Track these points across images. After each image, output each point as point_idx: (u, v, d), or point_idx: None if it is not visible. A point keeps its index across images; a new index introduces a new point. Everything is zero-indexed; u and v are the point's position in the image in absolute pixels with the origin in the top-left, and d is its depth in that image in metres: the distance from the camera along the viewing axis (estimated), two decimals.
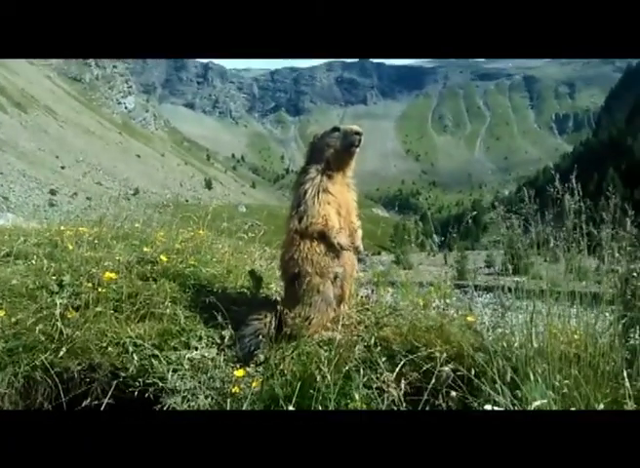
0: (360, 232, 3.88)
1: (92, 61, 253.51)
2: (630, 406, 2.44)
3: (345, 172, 3.85)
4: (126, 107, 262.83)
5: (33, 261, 4.45)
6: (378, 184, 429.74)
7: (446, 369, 2.89)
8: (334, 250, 3.59)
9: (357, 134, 3.70)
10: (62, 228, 5.73)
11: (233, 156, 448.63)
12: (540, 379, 2.64)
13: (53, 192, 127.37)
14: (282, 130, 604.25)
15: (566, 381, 2.62)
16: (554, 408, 2.50)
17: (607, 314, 3.23)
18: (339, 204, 3.74)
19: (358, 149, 3.75)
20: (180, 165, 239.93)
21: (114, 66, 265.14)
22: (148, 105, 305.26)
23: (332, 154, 3.73)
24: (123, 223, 6.36)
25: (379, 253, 50.00)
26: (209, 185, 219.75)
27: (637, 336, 2.97)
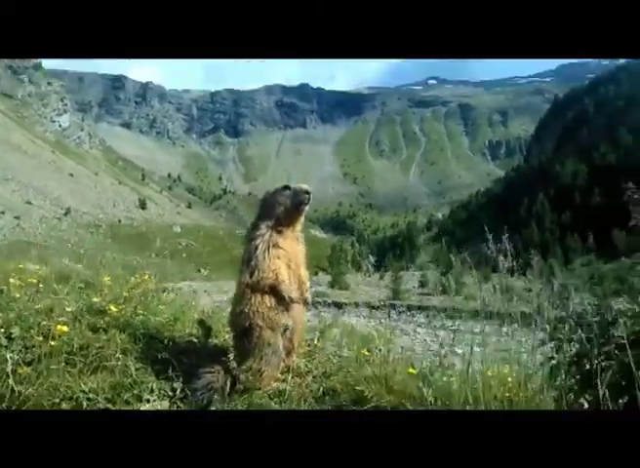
0: (308, 284, 4.05)
1: (25, 77, 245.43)
2: None
3: (295, 226, 4.03)
4: (60, 126, 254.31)
5: None
6: (316, 206, 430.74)
7: None
8: (284, 303, 3.74)
9: (307, 192, 3.90)
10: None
11: (169, 176, 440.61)
12: None
13: None
14: (220, 151, 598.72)
15: None
16: None
17: (538, 355, 3.49)
18: (288, 258, 3.89)
19: (307, 207, 3.96)
20: (113, 184, 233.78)
21: (49, 83, 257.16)
22: (84, 124, 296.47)
23: (282, 211, 3.90)
24: (68, 263, 6.33)
25: (316, 274, 50.20)
26: (143, 205, 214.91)
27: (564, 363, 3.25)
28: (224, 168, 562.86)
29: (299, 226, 4.08)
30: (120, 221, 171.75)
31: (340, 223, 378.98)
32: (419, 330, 31.64)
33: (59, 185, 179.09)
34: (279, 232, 3.90)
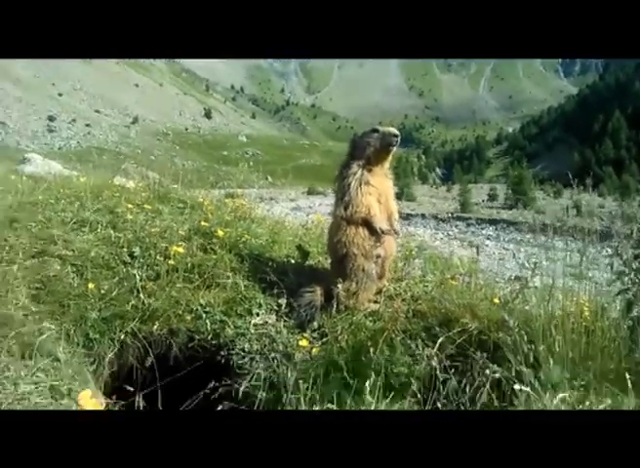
0: (396, 215, 4.37)
1: None
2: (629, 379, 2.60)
3: (383, 165, 4.34)
4: None
5: (99, 230, 4.87)
6: (380, 117, 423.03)
7: None
8: (376, 234, 4.10)
9: (395, 136, 4.19)
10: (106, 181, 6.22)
11: (232, 87, 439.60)
12: (554, 358, 3.01)
13: (51, 118, 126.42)
14: (282, 63, 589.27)
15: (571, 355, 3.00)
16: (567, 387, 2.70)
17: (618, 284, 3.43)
18: (378, 193, 4.22)
19: (395, 148, 4.26)
20: (178, 94, 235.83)
21: None
22: None
23: (372, 152, 4.21)
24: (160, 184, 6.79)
25: None
26: (208, 115, 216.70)
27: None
28: (287, 80, 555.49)
29: (387, 164, 4.38)
30: (187, 129, 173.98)
31: (407, 135, 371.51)
32: (487, 242, 31.60)
33: (125, 96, 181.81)
34: (369, 170, 4.21)
